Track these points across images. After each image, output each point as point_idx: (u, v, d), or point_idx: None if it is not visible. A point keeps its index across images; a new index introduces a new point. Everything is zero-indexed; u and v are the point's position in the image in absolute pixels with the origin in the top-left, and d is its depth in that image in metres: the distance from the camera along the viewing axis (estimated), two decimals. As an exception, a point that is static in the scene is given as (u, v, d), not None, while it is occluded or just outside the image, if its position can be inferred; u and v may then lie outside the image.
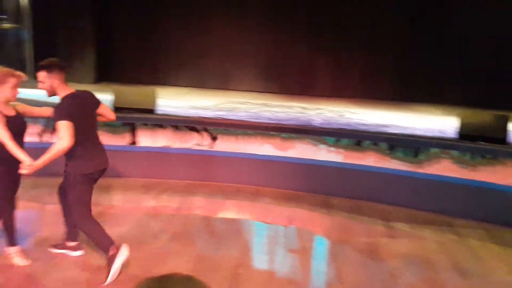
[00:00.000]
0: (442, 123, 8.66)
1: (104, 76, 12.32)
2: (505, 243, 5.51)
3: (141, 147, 7.29)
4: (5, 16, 11.81)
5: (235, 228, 5.54)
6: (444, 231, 5.83)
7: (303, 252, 5.03)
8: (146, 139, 7.34)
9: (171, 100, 9.16)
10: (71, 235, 4.58)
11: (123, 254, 4.15)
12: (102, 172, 4.30)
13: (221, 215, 6.05)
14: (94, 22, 11.95)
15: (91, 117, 4.23)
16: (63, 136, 3.88)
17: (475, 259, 5.04)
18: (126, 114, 7.33)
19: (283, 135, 7.13)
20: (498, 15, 11.31)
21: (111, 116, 4.44)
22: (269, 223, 5.83)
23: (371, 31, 12.18)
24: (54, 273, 4.23)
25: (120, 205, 6.21)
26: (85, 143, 4.09)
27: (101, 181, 6.76)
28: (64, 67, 4.12)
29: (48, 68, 4.03)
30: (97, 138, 4.29)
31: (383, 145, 7.11)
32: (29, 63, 12.20)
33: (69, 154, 4.03)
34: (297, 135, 7.21)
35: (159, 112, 7.67)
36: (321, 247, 5.38)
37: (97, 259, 4.39)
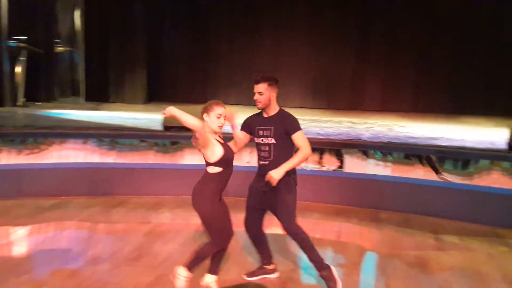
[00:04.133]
0: (493, 134, 8.46)
1: (154, 96, 12.66)
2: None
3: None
4: (58, 40, 12.26)
5: (282, 243, 5.51)
6: (494, 242, 5.75)
7: (352, 267, 5.02)
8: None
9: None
10: (267, 258, 4.64)
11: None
12: None
13: (268, 230, 6.09)
14: (144, 44, 12.32)
15: None
16: (307, 145, 4.14)
17: (529, 272, 4.91)
18: (175, 133, 7.58)
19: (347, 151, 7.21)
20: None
21: None
22: (317, 238, 5.79)
23: (421, 44, 12.08)
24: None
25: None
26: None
27: (148, 200, 6.81)
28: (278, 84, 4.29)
29: (270, 81, 4.23)
30: None
31: (433, 158, 7.03)
32: (81, 84, 12.53)
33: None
34: (346, 149, 7.25)
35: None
36: (370, 261, 5.36)
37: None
